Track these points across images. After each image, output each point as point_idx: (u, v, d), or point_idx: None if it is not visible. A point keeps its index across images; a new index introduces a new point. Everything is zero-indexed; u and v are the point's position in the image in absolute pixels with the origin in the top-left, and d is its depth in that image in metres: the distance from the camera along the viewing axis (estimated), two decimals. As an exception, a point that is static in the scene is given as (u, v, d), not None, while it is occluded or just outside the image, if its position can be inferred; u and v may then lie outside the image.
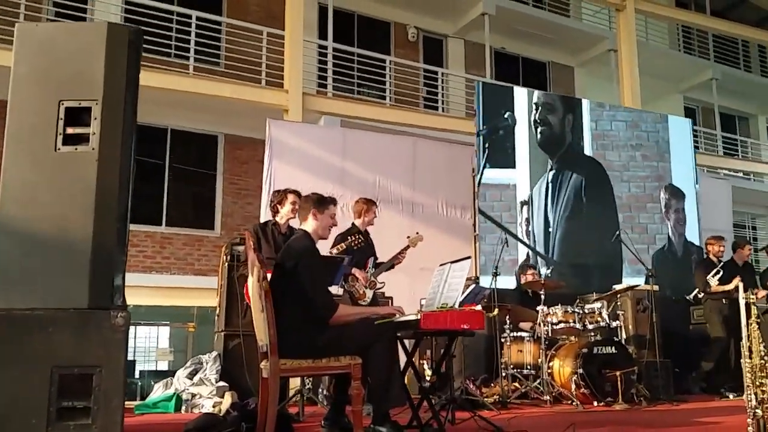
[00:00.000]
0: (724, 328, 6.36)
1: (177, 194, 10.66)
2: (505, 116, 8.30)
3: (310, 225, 3.50)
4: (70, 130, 2.37)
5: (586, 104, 9.07)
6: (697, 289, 6.86)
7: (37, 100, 2.39)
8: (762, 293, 6.53)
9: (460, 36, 12.93)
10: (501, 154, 8.23)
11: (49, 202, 2.28)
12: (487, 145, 8.11)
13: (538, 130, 8.51)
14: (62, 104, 2.38)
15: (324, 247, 4.63)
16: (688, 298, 6.70)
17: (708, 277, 6.50)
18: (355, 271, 5.07)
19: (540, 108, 8.61)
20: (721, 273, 6.48)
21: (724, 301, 6.45)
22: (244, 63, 9.89)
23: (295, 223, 5.17)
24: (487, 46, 11.72)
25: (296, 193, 5.06)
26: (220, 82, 9.47)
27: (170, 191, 10.54)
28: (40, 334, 2.03)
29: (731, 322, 6.16)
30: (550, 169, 8.45)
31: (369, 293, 5.09)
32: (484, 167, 8.02)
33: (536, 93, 8.91)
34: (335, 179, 7.66)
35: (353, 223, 5.38)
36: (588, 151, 8.80)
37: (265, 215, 7.14)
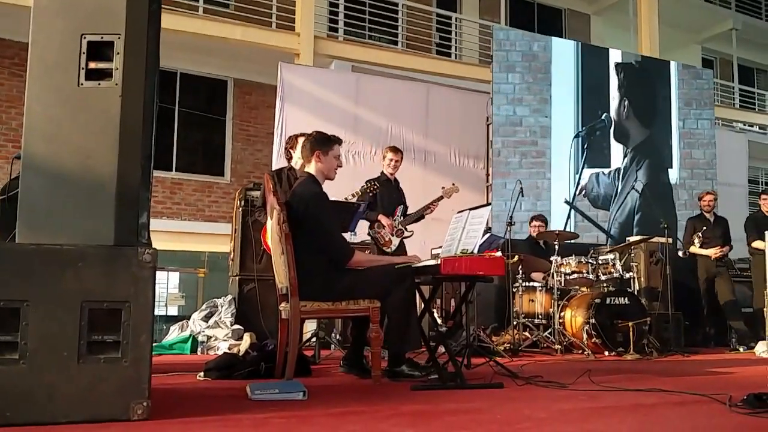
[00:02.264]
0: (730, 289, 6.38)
1: (187, 140, 10.60)
2: (602, 117, 8.39)
3: (314, 167, 3.38)
4: (92, 65, 2.30)
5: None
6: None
7: (59, 34, 2.31)
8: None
9: (475, -20, 12.56)
10: (598, 154, 8.31)
11: (73, 138, 2.24)
12: (586, 146, 8.21)
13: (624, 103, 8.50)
14: (84, 38, 2.30)
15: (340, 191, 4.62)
16: (680, 255, 6.68)
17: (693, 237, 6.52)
18: (381, 217, 5.04)
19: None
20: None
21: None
22: (255, 5, 9.67)
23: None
24: (503, -9, 11.40)
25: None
26: (230, 24, 9.28)
27: (180, 136, 10.47)
28: (70, 269, 2.03)
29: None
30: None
31: (395, 241, 5.07)
32: (583, 167, 8.17)
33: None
34: (347, 125, 7.57)
35: (382, 171, 5.33)
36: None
37: (276, 161, 7.11)
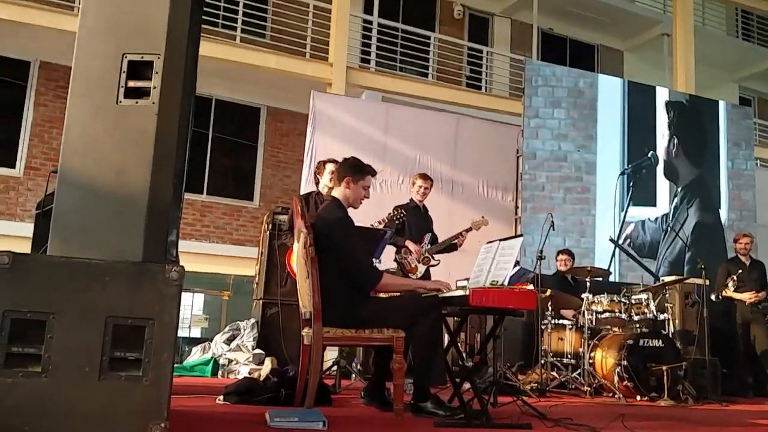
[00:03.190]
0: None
1: (218, 164, 10.75)
2: (648, 155, 8.41)
3: (341, 192, 3.34)
4: (131, 84, 2.33)
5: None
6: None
7: (101, 54, 2.35)
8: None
9: (506, 15, 12.64)
10: (643, 192, 8.30)
11: (108, 154, 2.26)
12: (631, 183, 8.21)
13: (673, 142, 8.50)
14: (125, 57, 2.34)
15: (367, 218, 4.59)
16: (712, 299, 6.45)
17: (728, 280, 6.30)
18: (408, 243, 5.00)
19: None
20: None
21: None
22: (290, 35, 9.85)
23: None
24: (535, 26, 11.45)
25: (335, 162, 5.01)
26: (265, 53, 9.46)
27: (212, 160, 10.63)
28: (97, 284, 2.01)
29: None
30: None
31: (421, 268, 5.02)
32: (629, 205, 8.16)
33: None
34: (376, 154, 7.57)
35: (411, 198, 5.31)
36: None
37: (305, 187, 7.13)
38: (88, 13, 2.35)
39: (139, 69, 2.33)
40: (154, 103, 2.31)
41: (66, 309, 1.98)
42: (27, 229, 3.75)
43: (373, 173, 3.46)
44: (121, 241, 2.20)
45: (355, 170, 3.36)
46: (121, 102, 2.29)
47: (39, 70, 9.56)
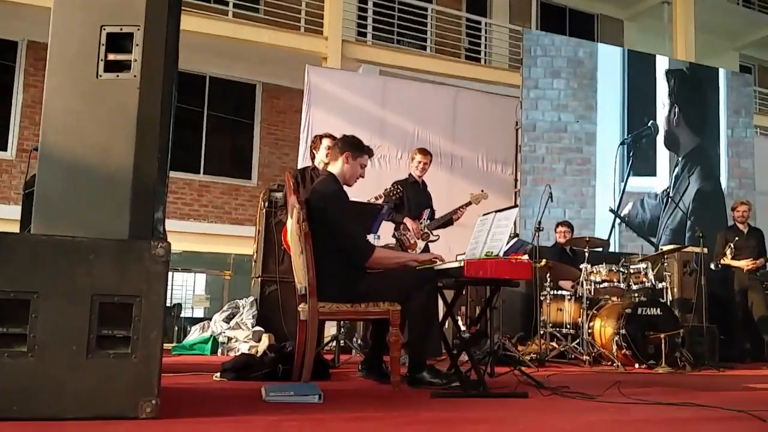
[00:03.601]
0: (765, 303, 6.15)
1: (215, 143, 10.68)
2: (648, 125, 8.32)
3: (337, 167, 3.33)
4: (111, 57, 2.27)
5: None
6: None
7: (78, 27, 2.29)
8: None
9: (505, -15, 12.44)
10: (643, 162, 8.22)
11: (90, 130, 2.21)
12: (631, 153, 8.13)
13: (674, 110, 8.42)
14: (104, 30, 2.28)
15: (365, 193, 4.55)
16: (711, 267, 6.41)
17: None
18: (406, 220, 4.95)
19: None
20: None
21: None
22: (284, 9, 9.70)
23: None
24: (534, -5, 11.27)
25: (331, 137, 4.95)
26: (259, 28, 9.33)
27: (208, 139, 10.56)
28: (82, 262, 1.98)
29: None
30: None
31: (421, 244, 4.98)
32: (629, 175, 8.08)
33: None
34: (374, 129, 7.51)
35: (410, 173, 5.25)
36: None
37: (302, 164, 7.08)
38: (62, -16, 2.28)
39: (118, 41, 2.26)
40: (135, 76, 2.25)
41: (50, 288, 1.95)
42: (20, 212, 3.72)
43: (371, 154, 3.46)
44: (107, 219, 2.16)
45: (354, 147, 3.35)
46: (101, 76, 2.24)
47: (27, 50, 9.45)
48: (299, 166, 7.20)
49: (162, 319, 2.06)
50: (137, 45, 2.27)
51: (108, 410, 1.94)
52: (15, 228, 3.91)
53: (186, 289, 13.74)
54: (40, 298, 1.94)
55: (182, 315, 12.39)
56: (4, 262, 1.93)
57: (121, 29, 2.29)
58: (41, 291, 1.94)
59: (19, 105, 9.40)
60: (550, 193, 5.41)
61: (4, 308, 1.91)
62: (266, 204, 5.44)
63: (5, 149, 9.39)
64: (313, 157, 5.04)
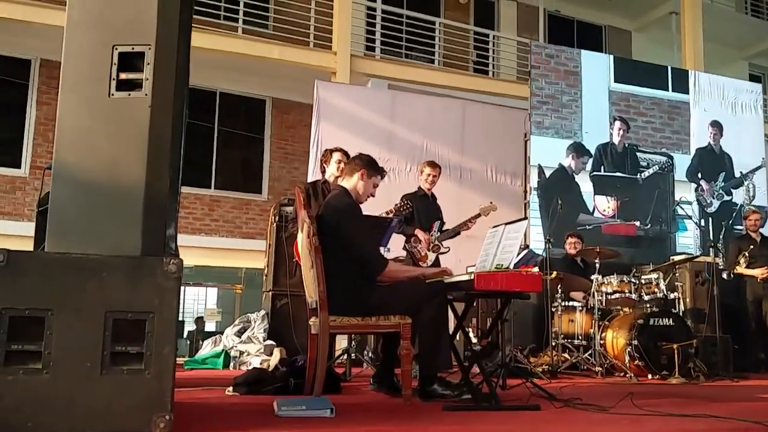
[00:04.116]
0: None
1: (225, 158, 10.77)
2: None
3: (351, 183, 3.39)
4: (123, 76, 2.31)
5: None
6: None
7: (90, 46, 2.34)
8: None
9: (512, -2, 12.50)
10: None
11: (103, 148, 2.24)
12: None
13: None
14: (116, 49, 2.32)
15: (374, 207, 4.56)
16: (724, 277, 6.34)
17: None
18: (417, 232, 4.97)
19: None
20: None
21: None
22: (293, 25, 9.80)
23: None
24: (541, 8, 11.33)
25: (342, 151, 4.99)
26: (268, 44, 9.42)
27: (219, 155, 10.65)
28: (95, 279, 2.01)
29: None
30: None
31: (432, 256, 4.99)
32: None
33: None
34: (383, 143, 7.55)
35: (419, 186, 5.26)
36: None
37: (312, 178, 7.11)
38: (74, 4, 2.33)
39: (130, 60, 2.30)
40: (146, 95, 2.29)
41: (64, 305, 1.98)
42: (33, 229, 3.77)
43: (384, 175, 3.55)
44: (119, 236, 2.19)
45: (370, 166, 3.43)
46: (113, 95, 2.27)
47: (40, 68, 9.60)
48: (309, 180, 7.25)
49: (175, 334, 2.07)
50: (148, 64, 2.31)
51: (122, 426, 1.95)
52: (29, 244, 3.95)
53: (197, 303, 13.79)
54: (55, 315, 1.96)
55: (193, 329, 12.44)
56: (18, 280, 1.96)
57: (133, 48, 2.33)
58: (55, 308, 1.97)
59: (32, 122, 9.54)
60: (560, 205, 5.41)
61: (19, 325, 1.94)
62: (276, 218, 5.47)
63: (19, 167, 9.51)
64: (323, 171, 5.08)
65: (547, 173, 7.79)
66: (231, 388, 3.31)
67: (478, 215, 5.25)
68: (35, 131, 9.54)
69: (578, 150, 8.00)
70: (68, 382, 1.94)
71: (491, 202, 5.43)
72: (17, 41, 9.02)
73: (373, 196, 3.50)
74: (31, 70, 9.61)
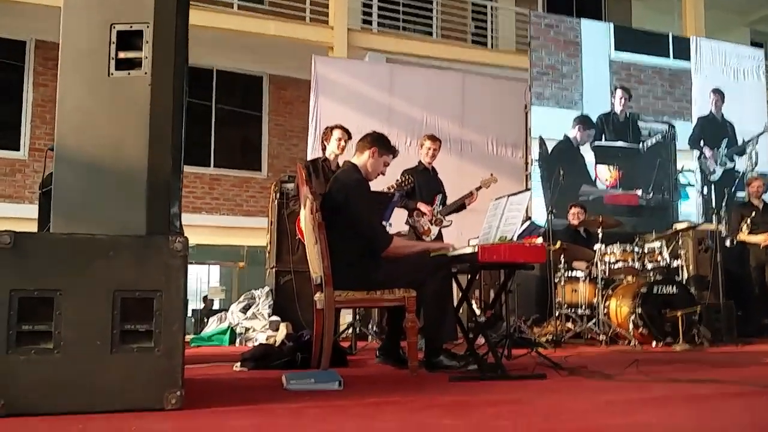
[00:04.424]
0: None
1: (224, 136, 10.72)
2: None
3: (362, 160, 3.39)
4: (122, 55, 2.29)
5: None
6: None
7: (88, 26, 2.31)
8: None
9: (510, -33, 12.29)
10: None
11: (104, 128, 2.23)
12: None
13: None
14: (114, 28, 2.30)
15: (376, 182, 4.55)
16: (727, 244, 6.33)
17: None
18: (420, 205, 4.96)
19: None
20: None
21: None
22: (288, 0, 9.67)
23: (343, 160, 5.10)
24: (540, -23, 11.13)
25: (342, 128, 4.97)
26: (264, 19, 9.31)
27: (217, 133, 10.60)
28: (102, 259, 2.02)
29: None
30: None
31: (434, 230, 4.98)
32: None
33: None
34: (382, 117, 7.51)
35: (420, 160, 5.23)
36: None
37: (312, 155, 7.10)
38: (71, -16, 2.30)
39: (128, 39, 2.28)
40: (146, 73, 2.27)
41: (72, 285, 1.99)
42: (35, 210, 3.77)
43: (396, 155, 3.53)
44: (124, 216, 2.19)
45: (382, 144, 3.42)
46: (112, 74, 2.26)
47: (35, 49, 9.50)
48: (309, 157, 7.22)
49: (183, 311, 2.09)
50: (147, 42, 2.29)
51: (134, 403, 1.98)
52: (32, 227, 3.96)
53: (200, 281, 13.86)
54: (63, 296, 1.97)
55: (197, 308, 12.52)
56: (26, 261, 1.97)
57: (131, 27, 2.30)
58: (64, 288, 1.98)
59: (29, 104, 9.48)
60: (562, 175, 5.39)
61: (28, 306, 1.95)
62: (278, 195, 5.47)
63: (18, 149, 9.48)
64: (323, 149, 5.06)
65: (549, 144, 7.75)
66: (239, 364, 3.34)
67: (479, 188, 5.24)
68: (33, 113, 9.48)
69: (585, 122, 7.95)
70: (80, 361, 1.96)
71: (491, 174, 5.42)
72: (11, 23, 8.91)
73: (383, 174, 3.50)
74: (26, 52, 9.51)
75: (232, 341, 5.28)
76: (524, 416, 1.99)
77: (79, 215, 2.20)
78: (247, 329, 5.21)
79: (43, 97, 9.44)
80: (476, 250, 2.93)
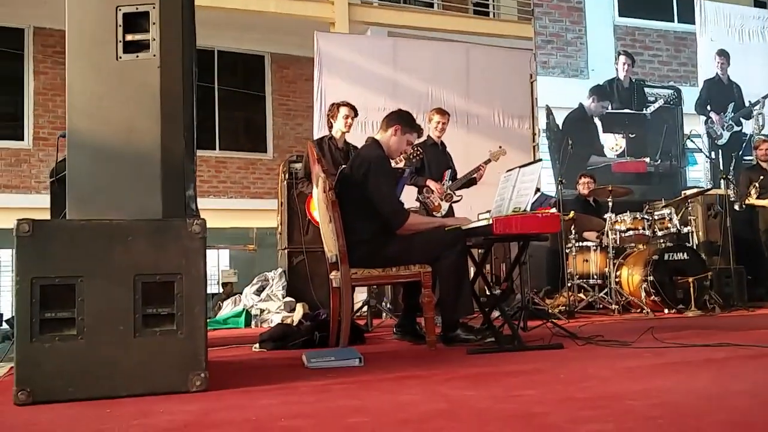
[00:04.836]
0: None
1: (228, 118, 10.67)
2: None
3: (385, 136, 3.36)
4: (129, 37, 2.27)
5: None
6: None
7: (94, 9, 2.28)
8: None
9: (511, -66, 12.06)
10: None
11: (115, 112, 2.22)
12: None
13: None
14: (119, 10, 2.27)
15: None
16: (736, 209, 6.27)
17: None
18: (429, 182, 4.93)
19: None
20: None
21: None
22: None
23: (350, 137, 5.07)
24: (541, -58, 10.91)
25: (349, 105, 4.93)
26: (264, -3, 9.20)
27: (221, 115, 10.55)
28: (121, 244, 2.02)
29: None
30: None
31: (444, 206, 4.96)
32: None
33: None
34: (387, 91, 7.45)
35: (428, 135, 5.19)
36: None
37: (318, 133, 7.06)
38: (75, -33, 2.26)
39: (135, 21, 2.25)
40: (155, 55, 2.25)
41: (93, 271, 2.00)
42: (42, 200, 3.77)
43: (421, 133, 3.50)
44: (140, 200, 2.19)
45: (407, 122, 3.38)
46: (121, 57, 2.23)
47: (34, 36, 9.42)
48: (315, 136, 7.19)
49: (204, 293, 2.10)
50: (154, 23, 2.26)
51: (159, 386, 1.99)
52: (40, 216, 3.95)
53: (210, 266, 13.90)
54: (85, 282, 1.98)
55: (209, 292, 12.57)
56: (46, 249, 1.97)
57: (137, 8, 2.28)
58: (85, 275, 1.99)
59: (31, 93, 9.43)
60: (570, 145, 5.35)
61: (50, 294, 1.96)
62: (286, 176, 5.46)
63: (22, 138, 9.46)
64: (330, 126, 5.03)
65: (556, 113, 7.69)
66: (257, 345, 3.36)
67: (488, 161, 5.20)
68: (35, 102, 9.44)
69: (600, 93, 7.89)
70: (103, 347, 1.98)
71: (500, 147, 5.37)
72: (8, 11, 8.84)
73: (406, 153, 3.47)
74: (24, 40, 9.44)
75: (247, 323, 5.31)
76: (547, 384, 2.00)
77: (95, 201, 2.20)
78: (262, 311, 5.23)
79: (44, 85, 9.38)
80: (491, 222, 2.92)
